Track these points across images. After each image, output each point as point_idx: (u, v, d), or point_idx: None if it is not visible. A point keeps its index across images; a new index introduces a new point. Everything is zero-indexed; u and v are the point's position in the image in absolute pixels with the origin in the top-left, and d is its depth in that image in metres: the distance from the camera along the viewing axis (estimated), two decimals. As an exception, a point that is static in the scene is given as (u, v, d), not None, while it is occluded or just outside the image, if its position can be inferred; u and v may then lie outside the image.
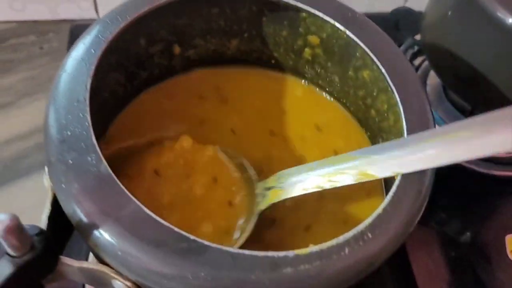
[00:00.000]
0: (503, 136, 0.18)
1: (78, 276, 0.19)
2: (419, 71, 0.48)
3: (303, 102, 0.32)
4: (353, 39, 0.25)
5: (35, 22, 0.57)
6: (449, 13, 0.37)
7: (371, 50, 0.24)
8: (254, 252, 0.17)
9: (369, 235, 0.18)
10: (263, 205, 0.23)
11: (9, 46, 0.54)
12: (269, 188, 0.24)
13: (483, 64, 0.36)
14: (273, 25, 0.29)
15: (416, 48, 0.47)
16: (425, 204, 0.20)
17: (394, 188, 0.20)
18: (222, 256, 0.17)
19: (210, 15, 0.28)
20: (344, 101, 0.31)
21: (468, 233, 0.40)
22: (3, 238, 0.15)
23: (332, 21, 0.26)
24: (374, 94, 0.27)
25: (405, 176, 0.20)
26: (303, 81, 0.32)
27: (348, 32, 0.26)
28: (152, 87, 0.29)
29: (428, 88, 0.47)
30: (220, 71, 0.31)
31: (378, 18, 0.49)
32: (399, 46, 0.48)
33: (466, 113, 0.42)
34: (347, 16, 0.26)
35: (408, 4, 0.62)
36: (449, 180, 0.41)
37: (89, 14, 0.57)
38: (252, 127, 0.29)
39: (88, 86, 0.20)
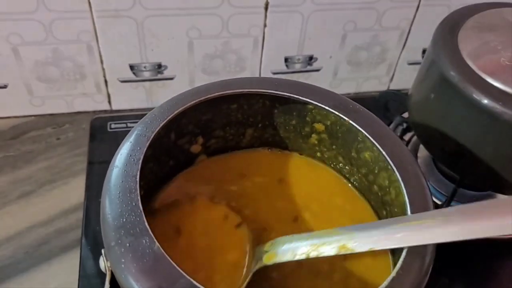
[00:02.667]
0: (459, 227, 0.22)
1: None
2: (410, 145, 0.52)
3: (312, 178, 0.35)
4: (354, 126, 0.30)
5: (52, 115, 0.62)
6: (432, 95, 0.42)
7: (370, 135, 0.29)
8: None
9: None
10: (257, 266, 0.26)
11: (29, 138, 0.59)
12: (265, 252, 0.27)
13: (466, 139, 0.41)
14: (284, 116, 0.34)
15: (405, 125, 0.52)
16: (429, 273, 0.23)
17: (401, 259, 0.23)
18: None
19: (230, 110, 0.33)
20: (350, 178, 0.35)
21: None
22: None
23: (335, 111, 0.30)
24: (376, 171, 0.31)
25: (410, 249, 0.24)
26: (312, 160, 0.36)
27: (349, 120, 0.30)
28: (178, 174, 0.33)
29: (419, 160, 0.51)
30: (237, 155, 0.36)
31: (369, 100, 0.55)
32: (390, 123, 0.53)
33: (456, 182, 0.46)
34: (348, 107, 0.31)
35: (392, 85, 0.69)
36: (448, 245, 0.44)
37: (103, 106, 0.62)
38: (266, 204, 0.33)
39: (138, 178, 0.24)
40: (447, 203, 0.45)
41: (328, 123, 0.33)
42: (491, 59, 0.39)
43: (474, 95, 0.38)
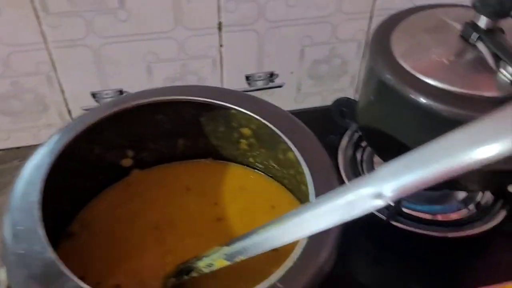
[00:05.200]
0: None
1: None
2: (366, 151, 0.52)
3: (252, 192, 0.35)
4: (271, 128, 0.30)
5: (19, 148, 0.62)
6: (372, 98, 0.43)
7: (285, 134, 0.29)
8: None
9: (281, 286, 0.21)
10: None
11: (-5, 172, 0.59)
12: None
13: (408, 138, 0.41)
14: (211, 123, 0.34)
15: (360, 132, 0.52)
16: (332, 258, 0.23)
17: (303, 244, 0.23)
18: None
19: (157, 121, 0.33)
20: (283, 181, 0.34)
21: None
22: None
23: (255, 115, 0.30)
24: (300, 171, 0.30)
25: (311, 237, 0.23)
26: (246, 167, 0.36)
27: (266, 122, 0.30)
28: (109, 187, 0.33)
29: (375, 166, 0.51)
30: (172, 166, 0.36)
31: (326, 110, 0.55)
32: (346, 131, 0.53)
33: None
34: (267, 110, 0.31)
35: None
36: (405, 248, 0.44)
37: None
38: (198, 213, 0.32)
39: (40, 187, 0.24)
40: (397, 203, 0.45)
41: (254, 127, 0.33)
42: (424, 57, 0.40)
43: (411, 95, 0.39)
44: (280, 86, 0.68)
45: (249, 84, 0.66)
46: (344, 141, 0.54)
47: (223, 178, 0.35)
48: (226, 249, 0.26)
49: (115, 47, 0.57)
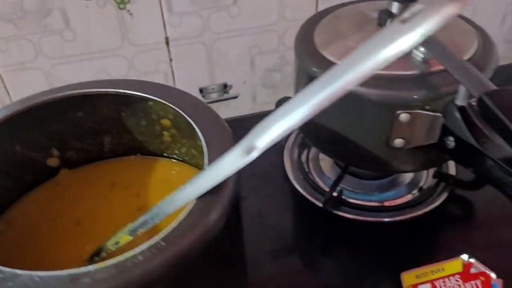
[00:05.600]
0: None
1: None
2: (311, 151, 0.53)
3: (174, 182, 0.36)
4: (182, 114, 0.31)
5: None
6: (301, 86, 0.44)
7: (195, 122, 0.30)
8: (59, 272, 0.21)
9: (163, 243, 0.21)
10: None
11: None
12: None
13: (340, 123, 0.42)
14: (133, 117, 0.35)
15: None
16: (221, 221, 0.23)
17: (189, 207, 0.24)
18: (31, 278, 0.20)
19: (78, 119, 0.34)
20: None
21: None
22: None
23: (170, 104, 0.32)
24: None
25: (200, 200, 0.24)
26: (174, 160, 0.37)
27: (178, 109, 0.31)
28: (37, 187, 0.34)
29: (322, 162, 0.52)
30: (100, 165, 0.37)
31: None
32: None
33: (341, 170, 0.47)
34: (183, 99, 0.32)
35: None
36: (354, 236, 0.44)
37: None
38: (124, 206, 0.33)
39: None
40: (333, 186, 0.46)
41: (172, 117, 0.34)
42: (344, 46, 0.41)
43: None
44: (235, 97, 0.69)
45: (203, 96, 0.67)
46: (290, 142, 0.55)
47: (149, 172, 0.36)
48: (130, 225, 0.27)
49: (65, 67, 0.58)
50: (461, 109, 0.34)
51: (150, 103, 0.34)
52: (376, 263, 0.42)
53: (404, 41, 0.19)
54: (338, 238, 0.45)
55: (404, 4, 0.40)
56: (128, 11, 0.56)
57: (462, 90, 0.34)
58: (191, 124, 0.32)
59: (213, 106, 0.68)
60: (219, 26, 0.61)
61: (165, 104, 0.32)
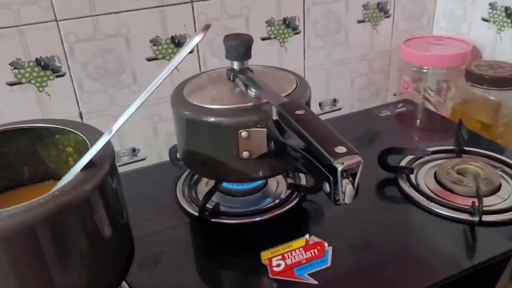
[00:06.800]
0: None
1: None
2: (197, 185, 0.68)
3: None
4: (83, 137, 0.45)
5: None
6: (180, 133, 0.60)
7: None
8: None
9: (57, 193, 0.35)
10: None
11: None
12: None
13: (206, 148, 0.57)
14: (45, 149, 0.48)
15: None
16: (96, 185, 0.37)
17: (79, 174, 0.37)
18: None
19: (2, 152, 0.47)
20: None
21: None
22: None
23: (70, 129, 0.46)
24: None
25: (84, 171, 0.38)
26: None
27: (80, 134, 0.45)
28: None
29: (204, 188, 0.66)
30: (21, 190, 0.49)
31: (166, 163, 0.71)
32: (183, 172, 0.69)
33: (214, 185, 0.62)
34: (79, 126, 0.46)
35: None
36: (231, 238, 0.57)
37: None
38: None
39: None
40: (204, 198, 0.60)
41: (73, 144, 0.48)
42: (204, 94, 0.58)
43: (200, 118, 0.56)
44: (144, 159, 0.84)
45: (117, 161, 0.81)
46: (181, 180, 0.69)
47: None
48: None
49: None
50: (275, 122, 0.51)
51: (57, 135, 0.47)
52: (247, 252, 0.55)
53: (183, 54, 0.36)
54: (214, 239, 0.58)
55: (239, 62, 0.58)
56: (46, 93, 0.71)
57: (274, 109, 0.51)
58: (87, 147, 0.46)
59: (124, 168, 0.81)
60: (123, 101, 0.77)
61: (68, 131, 0.46)
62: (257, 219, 0.60)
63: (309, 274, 0.51)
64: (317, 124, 0.44)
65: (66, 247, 0.37)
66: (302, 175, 0.67)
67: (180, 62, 0.39)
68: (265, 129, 0.53)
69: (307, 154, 0.44)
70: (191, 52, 0.39)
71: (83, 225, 0.38)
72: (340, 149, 0.40)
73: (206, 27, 0.36)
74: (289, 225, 0.59)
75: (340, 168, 0.39)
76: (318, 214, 0.61)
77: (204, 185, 0.68)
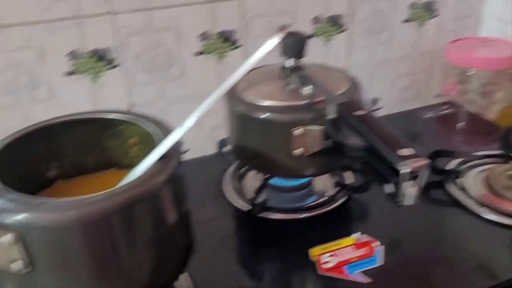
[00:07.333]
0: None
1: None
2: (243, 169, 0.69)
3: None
4: (146, 130, 0.46)
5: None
6: (234, 129, 0.61)
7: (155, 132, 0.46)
8: (71, 198, 0.35)
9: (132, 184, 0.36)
10: None
11: None
12: None
13: (259, 144, 0.58)
14: (109, 139, 0.50)
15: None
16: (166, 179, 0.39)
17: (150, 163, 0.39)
18: (50, 203, 0.35)
19: (71, 140, 0.49)
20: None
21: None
22: None
23: (139, 124, 0.47)
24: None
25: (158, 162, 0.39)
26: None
27: (143, 127, 0.47)
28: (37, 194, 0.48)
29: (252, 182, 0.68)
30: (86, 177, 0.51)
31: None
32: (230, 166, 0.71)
33: (264, 179, 0.63)
34: (144, 118, 0.48)
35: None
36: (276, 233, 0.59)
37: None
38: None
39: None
40: (254, 197, 0.61)
41: (136, 135, 0.49)
42: (258, 91, 0.60)
43: (255, 115, 0.57)
44: (186, 151, 0.85)
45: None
46: (228, 173, 0.70)
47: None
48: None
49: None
50: (332, 120, 0.52)
51: (121, 126, 0.49)
52: (293, 248, 0.56)
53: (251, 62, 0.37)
54: (260, 233, 0.60)
55: (295, 59, 0.59)
56: (100, 83, 0.73)
57: (331, 107, 0.52)
58: (152, 139, 0.47)
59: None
60: (171, 93, 0.79)
61: (133, 124, 0.48)
62: (304, 215, 0.60)
63: (359, 273, 0.52)
64: (379, 125, 0.45)
65: (138, 233, 0.38)
66: (348, 173, 0.68)
67: (251, 67, 0.40)
68: (320, 128, 0.54)
69: (368, 155, 0.45)
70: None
71: (154, 213, 0.39)
72: (405, 152, 0.40)
73: (283, 28, 0.37)
74: (335, 223, 0.60)
75: (405, 170, 0.39)
76: (365, 213, 0.62)
77: (251, 179, 0.69)
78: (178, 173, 0.41)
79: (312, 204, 0.62)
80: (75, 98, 0.73)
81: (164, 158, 0.41)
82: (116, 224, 0.37)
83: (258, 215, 0.60)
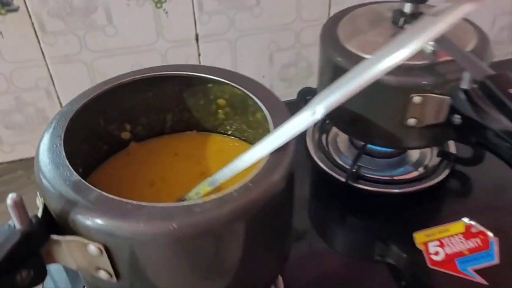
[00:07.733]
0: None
1: (65, 254, 0.28)
2: (330, 133, 0.60)
3: (228, 152, 0.43)
4: (244, 92, 0.37)
5: (22, 160, 0.69)
6: (327, 80, 0.51)
7: (256, 97, 0.36)
8: (176, 203, 0.27)
9: (251, 185, 0.28)
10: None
11: (1, 182, 0.65)
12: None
13: (360, 107, 0.49)
14: (192, 97, 0.42)
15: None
16: (291, 168, 0.30)
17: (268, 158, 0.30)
18: (155, 208, 0.27)
19: (147, 98, 0.41)
20: (254, 141, 0.42)
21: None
22: (12, 208, 0.25)
23: (229, 82, 0.38)
24: (267, 127, 0.38)
25: (273, 154, 0.31)
26: (225, 136, 0.44)
27: (240, 87, 0.38)
28: (112, 157, 0.41)
29: (340, 145, 0.59)
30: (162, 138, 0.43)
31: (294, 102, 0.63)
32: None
33: (360, 148, 0.54)
34: (236, 77, 0.39)
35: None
36: (368, 206, 0.51)
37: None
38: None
39: (62, 136, 0.31)
40: (351, 166, 0.53)
41: (227, 96, 0.41)
42: (364, 40, 0.49)
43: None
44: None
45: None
46: (310, 128, 0.62)
47: (205, 144, 0.42)
48: (209, 179, 0.33)
49: (105, 61, 0.65)
50: (466, 92, 0.42)
51: (210, 84, 0.40)
52: (390, 227, 0.49)
53: (436, 29, 0.27)
54: (358, 207, 0.52)
55: (415, 4, 0.47)
56: (164, 9, 0.63)
57: (466, 75, 0.41)
58: (244, 101, 0.38)
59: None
60: (242, 24, 0.68)
61: (226, 83, 0.39)
62: (398, 190, 0.52)
63: (474, 270, 0.45)
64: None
65: (248, 247, 0.31)
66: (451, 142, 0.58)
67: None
68: (448, 98, 0.44)
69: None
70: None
71: (270, 221, 0.32)
72: None
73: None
74: (437, 201, 0.52)
75: None
76: (475, 193, 0.53)
77: (335, 134, 0.60)
78: (293, 168, 0.33)
79: (410, 176, 0.54)
80: (135, 26, 0.63)
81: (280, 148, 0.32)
82: (227, 236, 0.29)
83: (354, 185, 0.52)
